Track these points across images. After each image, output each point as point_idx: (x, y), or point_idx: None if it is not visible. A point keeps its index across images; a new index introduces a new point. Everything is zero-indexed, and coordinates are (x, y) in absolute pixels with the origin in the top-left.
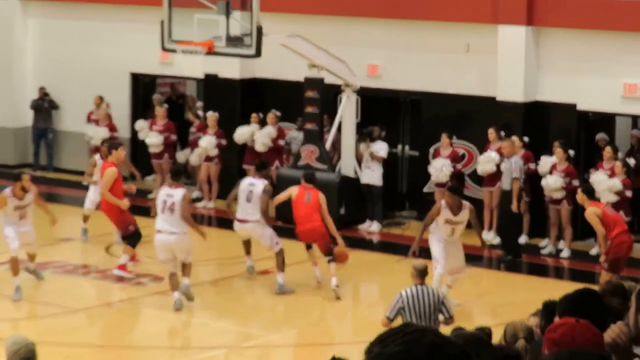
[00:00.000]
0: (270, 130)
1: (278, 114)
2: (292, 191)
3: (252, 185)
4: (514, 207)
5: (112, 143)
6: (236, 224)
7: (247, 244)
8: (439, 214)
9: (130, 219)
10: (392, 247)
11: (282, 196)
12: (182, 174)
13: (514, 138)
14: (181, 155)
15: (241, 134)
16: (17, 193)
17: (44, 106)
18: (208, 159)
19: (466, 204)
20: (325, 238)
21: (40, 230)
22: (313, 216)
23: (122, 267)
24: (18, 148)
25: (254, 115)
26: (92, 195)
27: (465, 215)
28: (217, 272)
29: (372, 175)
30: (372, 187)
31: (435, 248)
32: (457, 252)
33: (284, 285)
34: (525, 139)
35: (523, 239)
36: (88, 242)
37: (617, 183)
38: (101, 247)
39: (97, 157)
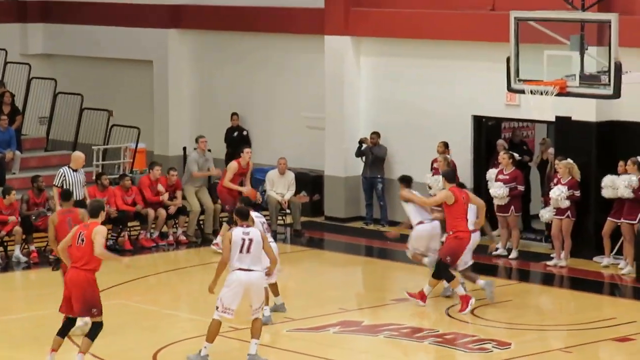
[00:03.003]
0: (631, 178)
1: None
2: None
3: None
4: None
5: None
6: None
7: None
8: None
9: None
10: None
11: None
12: None
13: None
14: (545, 215)
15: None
16: None
17: (372, 153)
18: (560, 211)
19: None
20: None
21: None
22: None
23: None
24: (349, 199)
25: (621, 163)
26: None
27: None
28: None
29: None
30: None
31: None
32: None
33: None
34: None
35: None
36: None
37: None
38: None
39: None
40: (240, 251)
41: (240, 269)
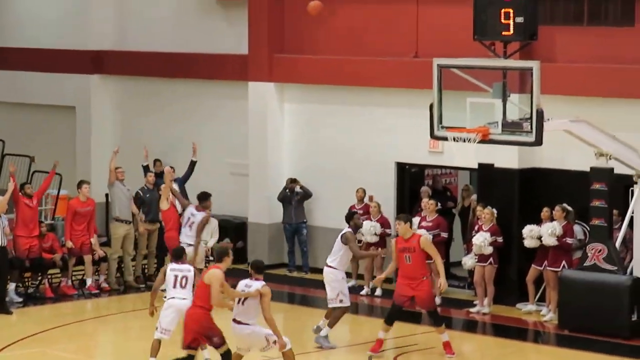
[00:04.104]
0: (555, 226)
1: (569, 209)
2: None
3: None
4: None
5: None
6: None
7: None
8: None
9: None
10: None
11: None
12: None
13: None
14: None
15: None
16: None
17: (295, 198)
18: (482, 258)
19: None
20: None
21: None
22: None
23: None
24: (273, 246)
25: (545, 209)
26: None
27: None
28: None
29: None
30: None
31: None
32: None
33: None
34: None
35: None
36: None
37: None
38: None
39: None
40: (237, 302)
41: (233, 320)
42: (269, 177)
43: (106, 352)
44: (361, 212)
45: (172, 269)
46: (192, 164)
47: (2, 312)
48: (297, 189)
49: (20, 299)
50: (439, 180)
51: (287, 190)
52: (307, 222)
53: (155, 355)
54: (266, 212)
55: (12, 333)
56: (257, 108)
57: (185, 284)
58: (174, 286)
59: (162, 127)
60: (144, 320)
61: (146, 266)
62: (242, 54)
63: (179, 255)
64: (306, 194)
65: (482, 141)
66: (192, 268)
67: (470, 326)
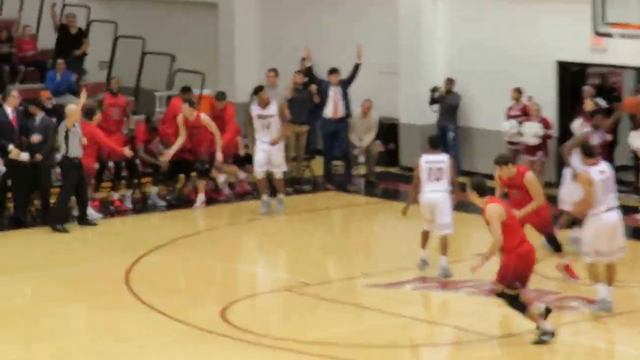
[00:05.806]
0: None
1: None
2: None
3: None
4: None
5: None
6: None
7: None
8: None
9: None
10: None
11: None
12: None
13: None
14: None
15: None
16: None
17: (447, 101)
18: None
19: None
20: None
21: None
22: None
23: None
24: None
25: None
26: None
27: None
28: None
29: None
30: None
31: None
32: None
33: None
34: None
35: None
36: None
37: None
38: None
39: None
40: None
41: None
42: (421, 76)
43: (247, 258)
44: (518, 113)
45: (427, 160)
46: (357, 67)
47: (84, 224)
48: (436, 95)
49: (164, 203)
50: (606, 79)
51: (435, 94)
52: (456, 125)
53: (424, 247)
54: (418, 113)
55: (155, 237)
56: (409, 3)
57: (440, 176)
58: (429, 179)
59: (308, 25)
60: (298, 224)
61: (293, 170)
62: None
63: (434, 144)
64: (455, 100)
65: None
66: (446, 158)
67: (638, 234)
